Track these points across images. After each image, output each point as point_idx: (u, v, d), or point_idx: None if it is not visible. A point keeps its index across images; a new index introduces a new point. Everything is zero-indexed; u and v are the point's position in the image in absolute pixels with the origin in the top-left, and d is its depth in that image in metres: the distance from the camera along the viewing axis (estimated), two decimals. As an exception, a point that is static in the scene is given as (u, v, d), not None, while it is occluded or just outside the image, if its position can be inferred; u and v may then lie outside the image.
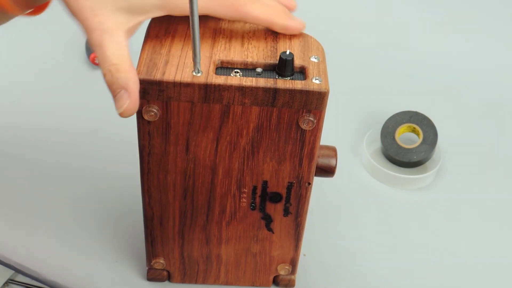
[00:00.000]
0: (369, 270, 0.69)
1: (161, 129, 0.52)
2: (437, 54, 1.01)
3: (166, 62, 0.50)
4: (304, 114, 0.50)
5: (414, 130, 0.82)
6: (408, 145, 0.81)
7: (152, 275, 0.65)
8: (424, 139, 0.81)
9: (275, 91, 0.49)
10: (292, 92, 0.49)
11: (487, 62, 1.00)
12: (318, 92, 0.49)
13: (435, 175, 0.81)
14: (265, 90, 0.49)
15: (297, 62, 0.51)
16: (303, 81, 0.50)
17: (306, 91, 0.49)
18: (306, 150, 0.53)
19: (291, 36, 0.54)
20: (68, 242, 0.70)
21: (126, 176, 0.76)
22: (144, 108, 0.50)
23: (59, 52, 0.96)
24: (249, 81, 0.49)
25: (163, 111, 0.50)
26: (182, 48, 0.51)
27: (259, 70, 0.51)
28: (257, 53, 0.52)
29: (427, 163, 0.82)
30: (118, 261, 0.68)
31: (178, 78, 0.49)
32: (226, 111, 0.50)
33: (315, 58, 0.52)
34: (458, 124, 0.90)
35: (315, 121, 0.51)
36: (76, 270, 0.67)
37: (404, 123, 0.82)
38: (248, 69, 0.51)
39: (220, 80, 0.49)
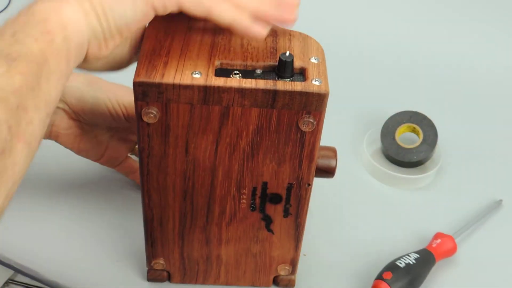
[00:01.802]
0: (369, 270, 0.69)
1: (161, 131, 0.51)
2: (437, 54, 1.01)
3: (165, 64, 0.50)
4: (304, 115, 0.50)
5: (414, 130, 0.82)
6: (408, 145, 0.81)
7: (152, 276, 0.65)
8: (424, 139, 0.81)
9: (274, 93, 0.49)
10: (291, 93, 0.49)
11: (487, 62, 1.00)
12: (318, 93, 0.49)
13: (435, 175, 0.81)
14: (265, 91, 0.49)
15: (297, 63, 0.51)
16: (302, 83, 0.50)
17: (306, 92, 0.49)
18: (306, 151, 0.53)
19: (291, 37, 0.54)
20: (68, 242, 0.70)
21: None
22: (143, 110, 0.50)
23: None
24: (249, 83, 0.49)
25: (162, 113, 0.50)
26: (181, 50, 0.51)
27: (258, 71, 0.51)
28: (257, 54, 0.52)
29: (427, 163, 0.82)
30: (118, 261, 0.68)
31: (177, 80, 0.48)
32: (226, 113, 0.50)
33: (315, 59, 0.52)
34: (458, 124, 0.89)
35: (315, 122, 0.50)
36: (76, 270, 0.67)
37: (404, 123, 0.82)
38: (247, 70, 0.51)
39: (219, 81, 0.49)
